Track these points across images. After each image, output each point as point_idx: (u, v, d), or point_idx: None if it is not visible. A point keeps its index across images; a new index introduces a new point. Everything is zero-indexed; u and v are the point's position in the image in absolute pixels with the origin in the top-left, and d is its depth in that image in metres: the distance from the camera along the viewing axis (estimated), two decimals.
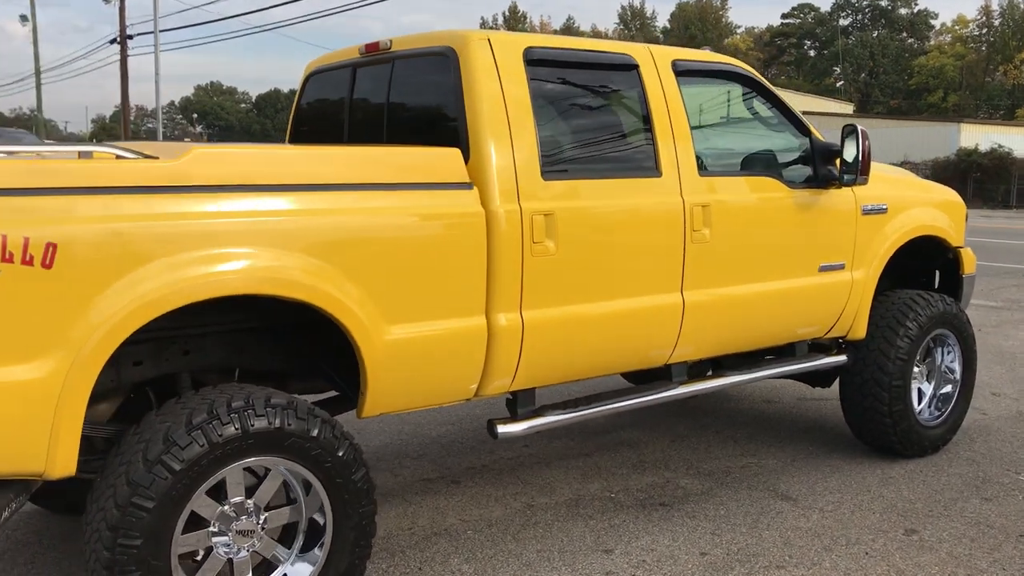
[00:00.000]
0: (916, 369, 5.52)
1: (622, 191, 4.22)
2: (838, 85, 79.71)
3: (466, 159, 3.84)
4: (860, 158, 4.77)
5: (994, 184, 38.08)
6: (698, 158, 4.51)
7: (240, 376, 3.92)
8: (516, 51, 4.02)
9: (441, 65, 4.02)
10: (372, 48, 4.49)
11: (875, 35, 79.41)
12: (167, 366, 3.59)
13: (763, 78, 4.96)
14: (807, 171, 5.00)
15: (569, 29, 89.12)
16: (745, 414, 6.52)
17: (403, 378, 3.64)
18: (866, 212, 5.20)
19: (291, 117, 5.13)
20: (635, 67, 4.40)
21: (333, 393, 4.16)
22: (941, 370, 5.71)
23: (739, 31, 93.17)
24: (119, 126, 37.23)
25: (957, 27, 74.26)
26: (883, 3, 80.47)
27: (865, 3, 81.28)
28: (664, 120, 4.39)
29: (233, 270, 3.12)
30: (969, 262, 5.89)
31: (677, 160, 4.40)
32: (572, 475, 5.26)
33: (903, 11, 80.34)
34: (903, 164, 41.03)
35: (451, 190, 3.73)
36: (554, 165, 4.03)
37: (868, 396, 5.35)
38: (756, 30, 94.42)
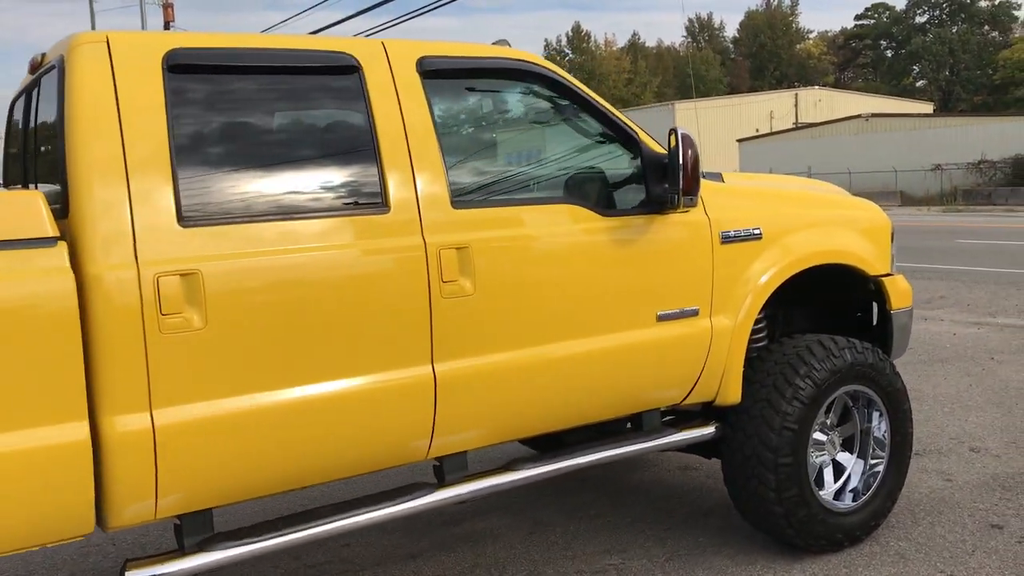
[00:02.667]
0: (822, 438, 4.25)
1: (318, 235, 3.12)
2: (917, 85, 76.45)
3: (66, 205, 2.83)
4: (682, 172, 3.58)
5: None
6: (456, 186, 3.40)
7: None
8: (152, 56, 2.99)
9: (56, 80, 3.02)
10: (33, 65, 3.52)
11: (954, 31, 75.91)
12: None
13: (568, 76, 3.80)
14: (640, 192, 3.83)
15: (634, 45, 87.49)
16: (647, 488, 5.30)
17: None
18: (728, 240, 3.99)
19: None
20: (355, 69, 3.31)
21: None
22: (872, 439, 4.42)
23: (811, 36, 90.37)
24: None
25: None
26: None
27: None
28: (396, 137, 3.29)
29: None
30: (898, 294, 4.58)
31: (416, 189, 3.29)
32: None
33: (983, 3, 76.60)
34: (981, 162, 38.50)
35: (17, 249, 2.70)
36: (206, 207, 2.98)
37: (751, 478, 4.10)
38: (829, 33, 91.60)
